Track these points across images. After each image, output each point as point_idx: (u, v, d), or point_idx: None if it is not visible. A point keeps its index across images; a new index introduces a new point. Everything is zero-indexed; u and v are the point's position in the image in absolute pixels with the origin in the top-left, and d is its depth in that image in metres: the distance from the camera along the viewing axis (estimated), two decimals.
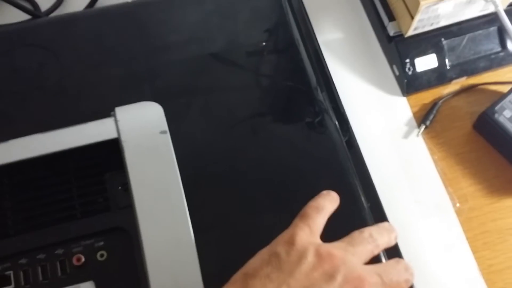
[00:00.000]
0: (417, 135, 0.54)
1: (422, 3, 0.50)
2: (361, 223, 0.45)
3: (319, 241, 0.37)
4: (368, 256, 0.37)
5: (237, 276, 0.35)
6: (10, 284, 0.41)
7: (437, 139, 0.55)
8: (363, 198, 0.46)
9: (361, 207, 0.46)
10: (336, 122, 0.49)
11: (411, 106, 0.56)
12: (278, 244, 0.36)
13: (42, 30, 0.50)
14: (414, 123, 0.55)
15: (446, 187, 0.53)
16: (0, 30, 0.52)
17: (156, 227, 0.40)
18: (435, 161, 0.54)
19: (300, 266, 0.34)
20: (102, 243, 0.42)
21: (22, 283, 0.41)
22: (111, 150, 0.43)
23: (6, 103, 0.47)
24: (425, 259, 0.50)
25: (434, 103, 0.56)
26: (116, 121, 0.43)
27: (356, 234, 0.38)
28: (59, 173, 0.44)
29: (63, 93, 0.47)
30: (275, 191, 0.46)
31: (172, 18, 0.53)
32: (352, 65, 0.58)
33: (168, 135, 0.43)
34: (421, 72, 0.55)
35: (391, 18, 0.55)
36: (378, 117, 0.55)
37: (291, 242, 0.36)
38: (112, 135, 0.43)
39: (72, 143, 0.43)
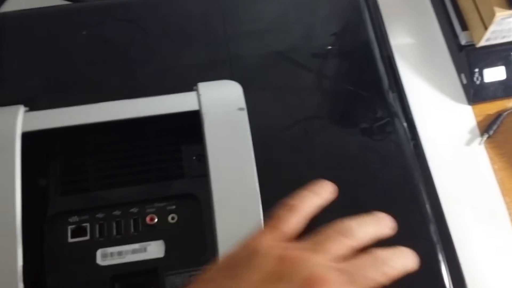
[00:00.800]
0: (480, 144, 0.55)
1: (497, 14, 0.51)
2: (422, 221, 0.46)
3: (284, 244, 0.35)
4: (343, 251, 0.34)
5: (196, 279, 0.34)
6: (86, 235, 0.44)
7: (498, 149, 0.55)
8: (425, 199, 0.47)
9: (422, 207, 0.47)
10: (405, 125, 0.51)
11: (476, 116, 0.57)
12: (240, 249, 0.35)
13: (134, 6, 0.54)
14: (477, 132, 0.56)
15: (503, 196, 0.53)
16: (94, 4, 0.56)
17: (228, 197, 0.42)
18: (494, 171, 0.54)
19: (255, 273, 0.32)
20: (174, 207, 0.45)
21: (97, 235, 0.44)
22: (190, 122, 0.46)
23: (96, 71, 0.50)
24: (477, 263, 0.50)
25: (498, 114, 0.56)
26: (198, 95, 0.46)
27: (326, 229, 0.35)
28: (140, 138, 0.47)
29: (148, 67, 0.51)
30: (339, 189, 0.47)
31: (252, 8, 0.56)
32: (420, 70, 0.59)
33: (245, 112, 0.45)
34: (488, 83, 0.57)
35: (464, 27, 0.57)
36: (442, 123, 0.57)
37: (253, 248, 0.34)
38: (194, 107, 0.45)
39: (156, 111, 0.45)
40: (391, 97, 0.52)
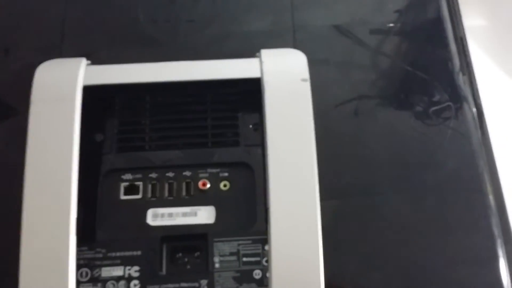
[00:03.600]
0: None
1: None
2: (484, 212, 0.44)
3: None
4: None
5: None
6: (138, 194, 0.44)
7: None
8: (488, 190, 0.45)
9: (485, 198, 0.45)
10: (474, 111, 0.48)
11: None
12: None
13: None
14: None
15: None
16: None
17: (284, 169, 0.41)
18: None
19: None
20: (226, 174, 0.44)
21: (149, 195, 0.43)
22: (249, 89, 0.44)
23: (159, 29, 0.50)
24: None
25: None
26: (261, 62, 0.44)
27: None
28: (198, 102, 0.46)
29: (211, 29, 0.50)
30: (397, 174, 0.46)
31: None
32: (492, 55, 0.56)
33: (308, 83, 0.43)
34: None
35: None
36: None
37: None
38: (255, 74, 0.44)
39: (217, 75, 0.44)
40: (461, 80, 0.50)
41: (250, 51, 0.46)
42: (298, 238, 0.39)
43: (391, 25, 0.53)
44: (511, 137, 0.52)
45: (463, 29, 0.55)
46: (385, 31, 0.53)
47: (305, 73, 0.44)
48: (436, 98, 0.50)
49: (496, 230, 0.44)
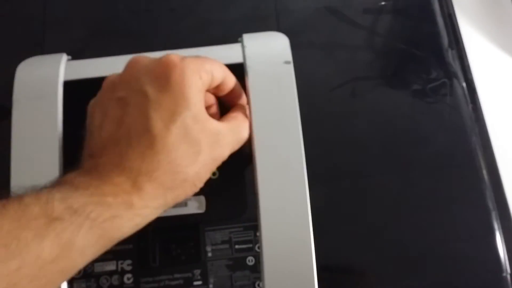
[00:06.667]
0: None
1: None
2: (478, 186, 0.44)
3: None
4: None
5: None
6: None
7: None
8: (482, 164, 0.45)
9: (478, 172, 0.44)
10: (464, 86, 0.48)
11: None
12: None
13: None
14: None
15: None
16: None
17: (271, 154, 0.40)
18: None
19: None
20: None
21: None
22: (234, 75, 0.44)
23: (139, 20, 0.49)
24: None
25: None
26: (243, 47, 0.43)
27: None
28: None
29: (193, 17, 0.49)
30: (389, 153, 0.45)
31: None
32: (483, 27, 0.55)
33: (291, 65, 0.42)
34: None
35: None
36: (505, 84, 0.53)
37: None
38: (238, 59, 0.43)
39: None
40: (450, 55, 0.49)
41: (233, 38, 0.45)
42: (289, 222, 0.39)
43: (383, 3, 0.52)
44: (505, 111, 0.51)
45: (451, 2, 0.55)
46: (377, 10, 0.52)
47: (288, 55, 0.43)
48: (426, 75, 0.49)
49: (491, 204, 0.43)
